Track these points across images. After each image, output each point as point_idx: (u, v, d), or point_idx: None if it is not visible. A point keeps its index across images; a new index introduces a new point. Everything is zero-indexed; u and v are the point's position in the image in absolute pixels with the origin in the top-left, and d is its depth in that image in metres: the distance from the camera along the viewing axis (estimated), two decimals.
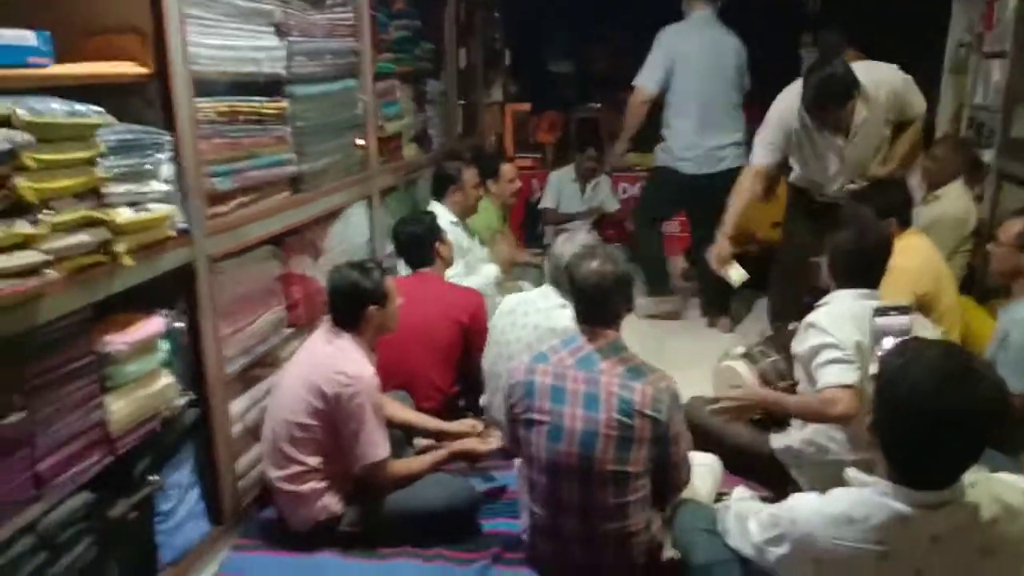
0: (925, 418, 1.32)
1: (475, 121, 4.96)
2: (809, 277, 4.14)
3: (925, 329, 2.36)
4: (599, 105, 6.17)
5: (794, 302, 4.07)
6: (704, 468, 2.35)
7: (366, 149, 3.25)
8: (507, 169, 4.28)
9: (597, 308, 2.04)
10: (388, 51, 3.49)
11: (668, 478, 2.10)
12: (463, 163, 3.78)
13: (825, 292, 2.69)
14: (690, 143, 4.16)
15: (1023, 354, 2.37)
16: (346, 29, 3.01)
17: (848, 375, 2.32)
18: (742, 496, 1.90)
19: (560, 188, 5.31)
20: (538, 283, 4.30)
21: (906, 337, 1.99)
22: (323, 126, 2.87)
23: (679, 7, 4.25)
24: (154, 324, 1.99)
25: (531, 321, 2.67)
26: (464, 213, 3.72)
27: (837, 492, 1.47)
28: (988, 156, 4.05)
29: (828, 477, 2.46)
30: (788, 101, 3.36)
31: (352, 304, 2.37)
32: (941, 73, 5.03)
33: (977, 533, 1.37)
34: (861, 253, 2.55)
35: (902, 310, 2.01)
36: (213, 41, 2.19)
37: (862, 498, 1.42)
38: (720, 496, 2.30)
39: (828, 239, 2.66)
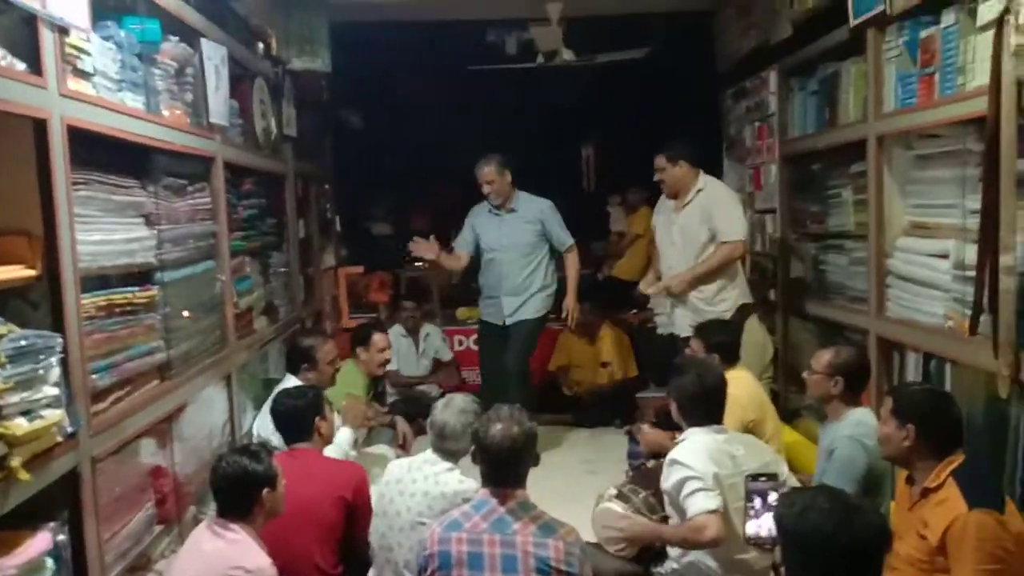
0: (832, 554, 1.53)
1: (313, 287, 5.02)
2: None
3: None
4: (425, 264, 6.45)
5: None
6: None
7: (223, 326, 3.22)
8: (378, 339, 4.27)
9: (507, 470, 2.16)
10: (239, 229, 3.54)
11: None
12: (320, 339, 3.80)
13: None
14: None
15: (848, 467, 2.72)
16: (205, 213, 3.05)
17: (712, 502, 2.57)
18: None
19: (396, 347, 5.40)
20: (392, 443, 4.32)
21: (783, 490, 2.26)
22: (187, 309, 2.84)
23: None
24: (41, 541, 1.83)
25: (420, 488, 2.70)
26: (319, 387, 3.69)
27: None
28: (773, 295, 4.73)
29: None
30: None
31: (245, 491, 2.29)
32: None
33: None
34: (704, 394, 2.86)
35: (771, 477, 2.29)
36: (93, 237, 2.17)
37: None
38: None
39: (670, 385, 2.97)
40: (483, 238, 4.85)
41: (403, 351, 5.44)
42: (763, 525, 2.06)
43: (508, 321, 4.79)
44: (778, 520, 1.64)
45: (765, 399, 3.69)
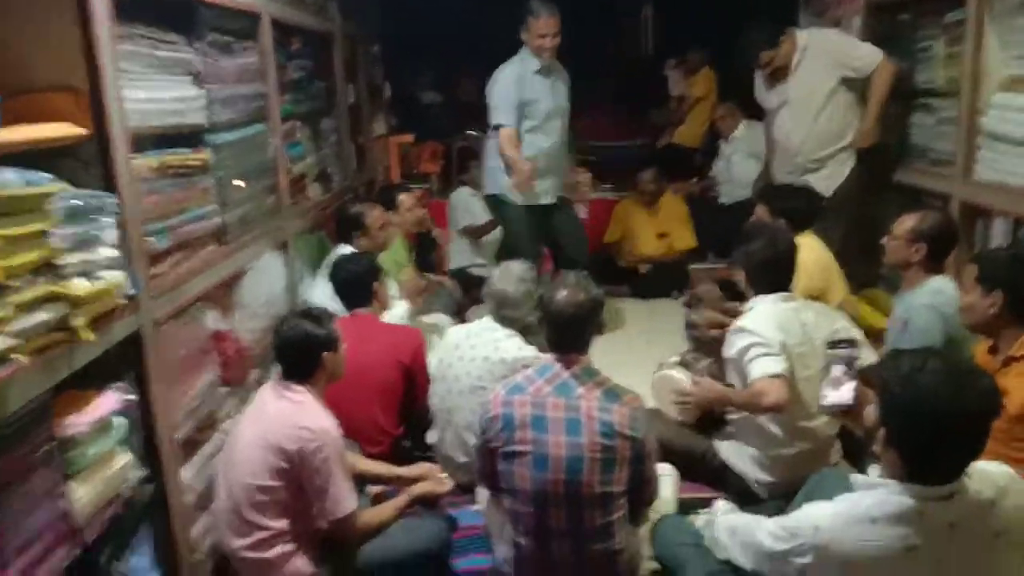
0: (944, 418, 1.44)
1: (365, 156, 4.92)
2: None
3: (871, 355, 2.56)
4: (477, 134, 6.26)
5: None
6: (666, 478, 2.45)
7: (278, 192, 3.16)
8: (404, 198, 4.18)
9: (572, 336, 2.10)
10: (288, 92, 3.42)
11: (642, 494, 2.18)
12: (367, 205, 3.72)
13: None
14: None
15: (924, 337, 2.61)
16: (253, 73, 2.93)
17: (776, 365, 2.47)
18: (725, 509, 1.98)
19: (468, 206, 5.22)
20: (450, 308, 4.31)
21: (858, 362, 2.14)
22: (240, 173, 2.78)
23: None
24: (110, 400, 1.85)
25: (479, 354, 2.69)
26: (374, 253, 3.65)
27: (850, 496, 1.57)
28: None
29: (776, 467, 2.65)
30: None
31: (307, 354, 2.30)
32: None
33: (987, 516, 1.50)
34: (775, 260, 2.75)
35: (850, 343, 2.17)
36: (141, 95, 2.08)
37: (879, 498, 1.51)
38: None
39: (738, 252, 2.84)
40: (536, 105, 4.08)
41: (473, 208, 5.26)
42: (844, 393, 1.96)
43: (554, 200, 4.31)
44: (884, 382, 1.53)
45: (833, 266, 3.54)
